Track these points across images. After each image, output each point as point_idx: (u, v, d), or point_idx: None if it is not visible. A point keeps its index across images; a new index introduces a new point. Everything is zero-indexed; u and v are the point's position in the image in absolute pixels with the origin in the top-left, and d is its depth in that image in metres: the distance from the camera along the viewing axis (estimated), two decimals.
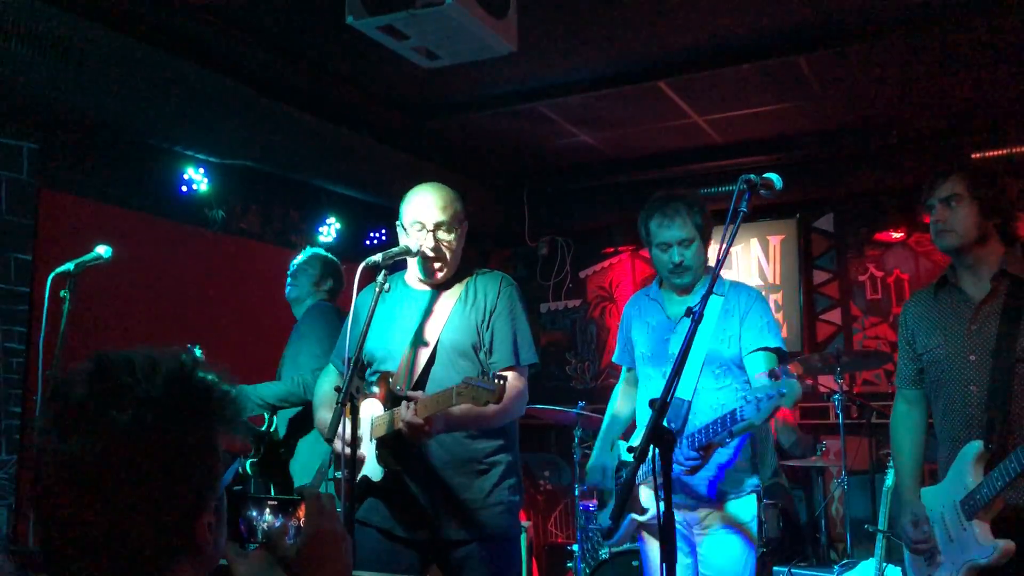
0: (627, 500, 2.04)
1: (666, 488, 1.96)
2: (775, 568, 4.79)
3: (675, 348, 2.97)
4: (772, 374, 2.64)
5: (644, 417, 2.98)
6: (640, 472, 2.95)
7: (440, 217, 2.77)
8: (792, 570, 4.71)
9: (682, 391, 2.84)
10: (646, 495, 2.98)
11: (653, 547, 3.08)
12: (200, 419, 1.15)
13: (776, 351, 2.96)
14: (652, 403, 2.28)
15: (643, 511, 2.98)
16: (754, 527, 2.98)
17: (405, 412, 2.55)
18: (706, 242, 3.05)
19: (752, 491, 3.00)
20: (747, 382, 2.95)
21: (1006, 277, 2.68)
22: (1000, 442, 2.55)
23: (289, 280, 4.43)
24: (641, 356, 3.15)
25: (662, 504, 1.95)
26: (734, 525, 2.94)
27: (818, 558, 5.27)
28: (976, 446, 2.59)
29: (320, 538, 1.39)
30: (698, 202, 3.02)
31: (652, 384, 3.07)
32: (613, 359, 3.42)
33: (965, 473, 2.60)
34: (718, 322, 2.95)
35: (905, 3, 4.10)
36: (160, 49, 4.17)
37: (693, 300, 2.97)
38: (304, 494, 1.43)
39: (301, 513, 1.41)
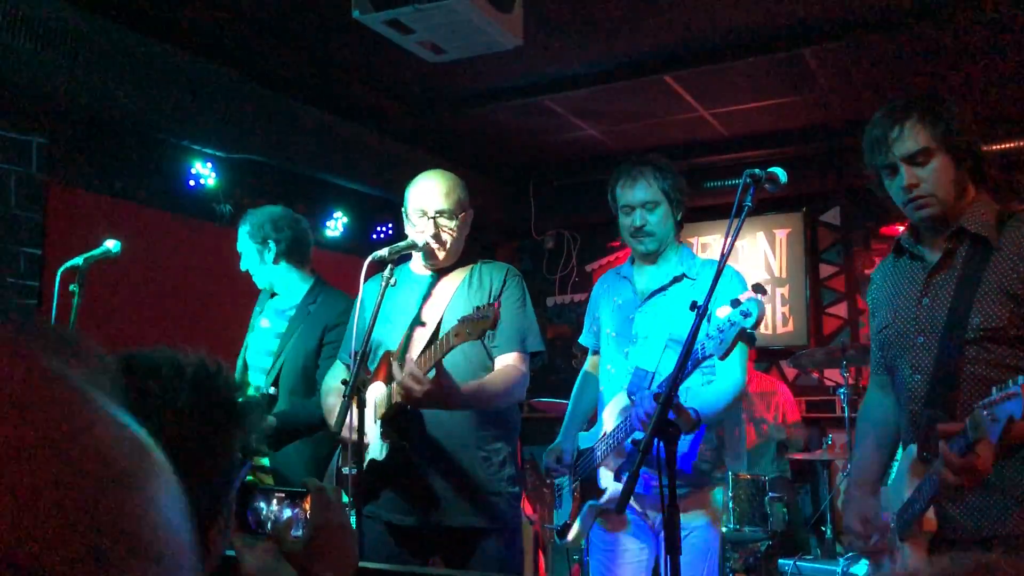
0: (629, 496, 2.02)
1: (671, 482, 1.96)
2: (780, 561, 4.80)
3: (639, 327, 2.87)
4: (734, 302, 2.19)
5: (609, 397, 2.88)
6: (600, 450, 2.83)
7: (442, 205, 2.80)
8: (797, 563, 4.72)
9: (646, 363, 2.78)
10: (605, 477, 2.84)
11: (609, 537, 2.93)
12: (222, 428, 1.16)
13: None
14: (657, 397, 2.27)
15: (600, 493, 2.83)
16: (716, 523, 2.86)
17: (401, 371, 2.51)
18: (676, 209, 2.87)
19: (716, 485, 2.88)
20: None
21: (965, 235, 2.12)
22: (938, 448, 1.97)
23: None
24: (606, 336, 3.01)
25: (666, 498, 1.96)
26: (696, 519, 2.79)
27: (823, 551, 5.27)
28: (912, 451, 2.11)
29: (326, 530, 1.40)
30: (667, 167, 2.87)
31: (614, 364, 2.92)
32: (579, 340, 3.26)
33: (903, 483, 2.11)
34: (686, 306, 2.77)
35: None
36: (168, 43, 4.18)
37: (662, 272, 2.89)
38: (310, 486, 1.44)
39: (307, 505, 1.42)
